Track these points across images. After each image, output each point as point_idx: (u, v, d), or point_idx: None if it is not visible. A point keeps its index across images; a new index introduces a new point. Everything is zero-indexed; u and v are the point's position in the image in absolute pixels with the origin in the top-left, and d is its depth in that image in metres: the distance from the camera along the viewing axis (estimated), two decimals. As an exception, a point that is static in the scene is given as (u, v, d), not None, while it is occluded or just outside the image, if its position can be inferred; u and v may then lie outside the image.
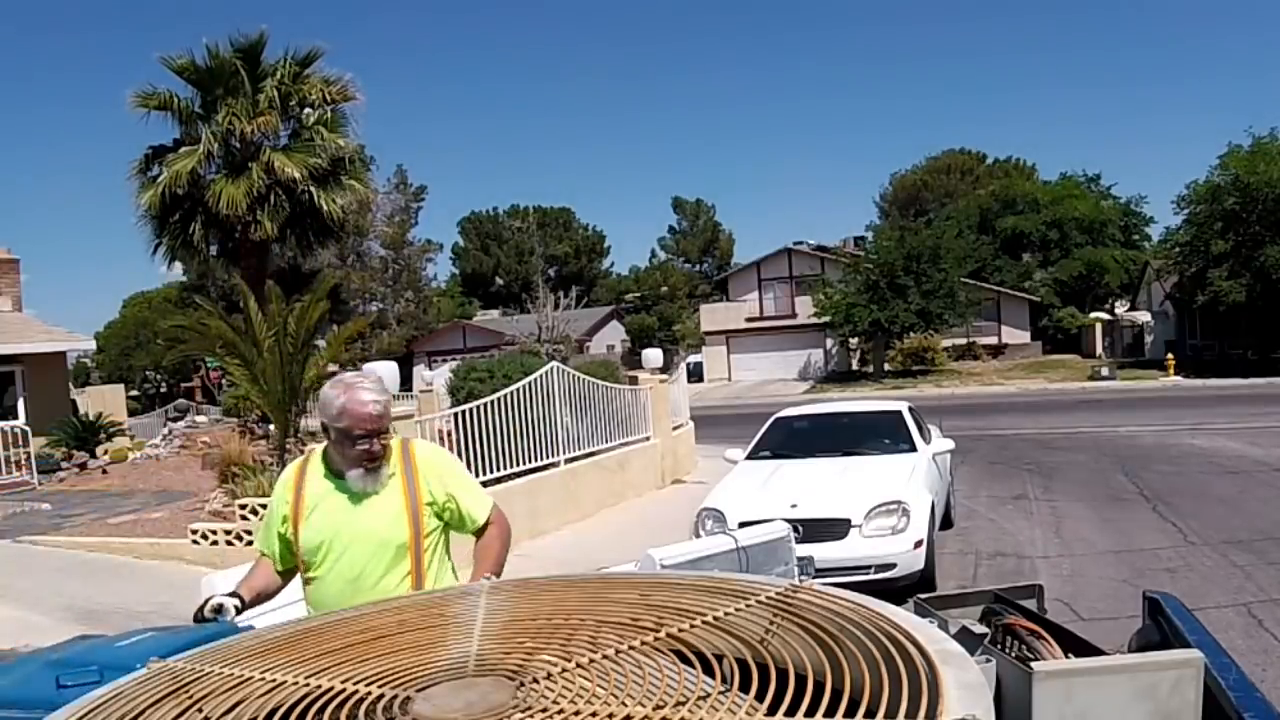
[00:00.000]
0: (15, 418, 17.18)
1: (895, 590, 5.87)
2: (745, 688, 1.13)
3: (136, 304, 58.98)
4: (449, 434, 9.32)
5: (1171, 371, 29.99)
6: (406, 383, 31.17)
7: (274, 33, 21.72)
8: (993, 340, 40.57)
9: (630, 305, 56.62)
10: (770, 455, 8.67)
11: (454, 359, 24.61)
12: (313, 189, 17.29)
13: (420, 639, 1.42)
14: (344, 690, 1.23)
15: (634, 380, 13.54)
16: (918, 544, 6.68)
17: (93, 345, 24.83)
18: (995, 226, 45.25)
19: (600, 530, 10.07)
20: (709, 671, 1.15)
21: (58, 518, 11.95)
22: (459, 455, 8.91)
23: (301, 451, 9.21)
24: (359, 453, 2.58)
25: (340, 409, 2.55)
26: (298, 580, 2.83)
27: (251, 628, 2.12)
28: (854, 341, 38.06)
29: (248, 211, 16.60)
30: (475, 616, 1.48)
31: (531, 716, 1.08)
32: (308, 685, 1.25)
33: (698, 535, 6.39)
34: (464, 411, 9.19)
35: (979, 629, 2.03)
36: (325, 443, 2.73)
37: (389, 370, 8.71)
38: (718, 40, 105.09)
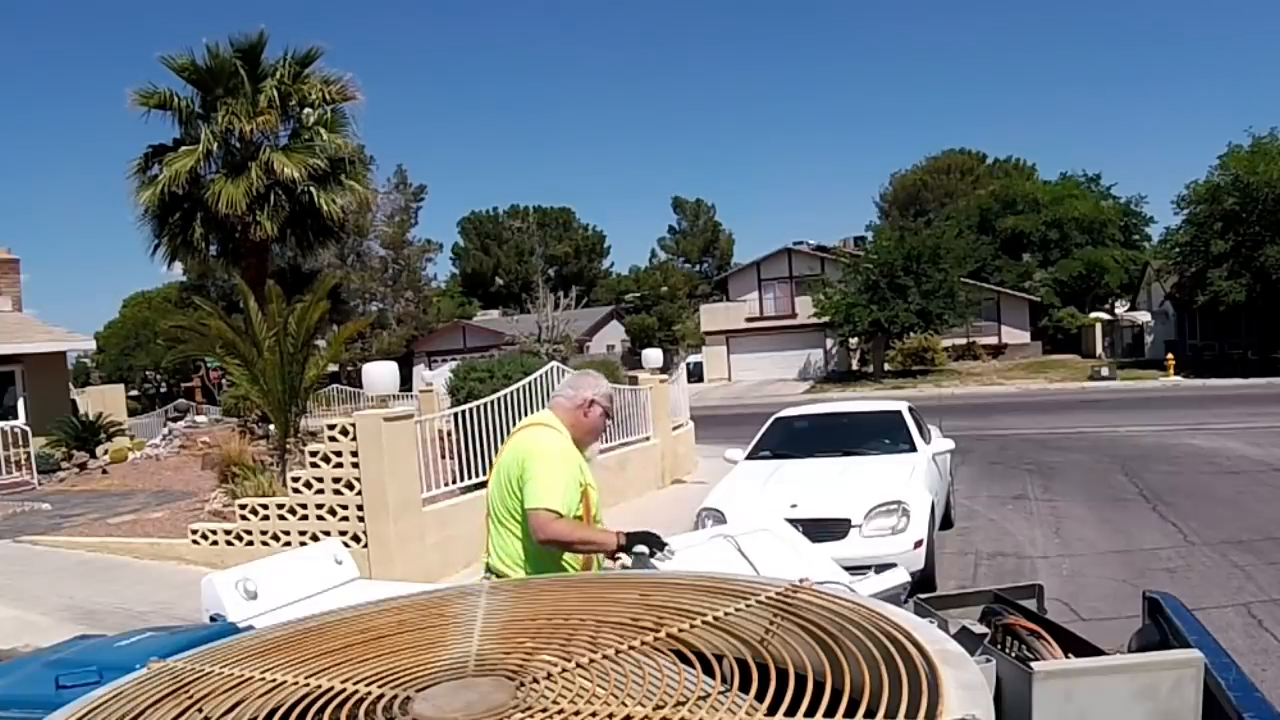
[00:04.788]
0: (15, 418, 17.18)
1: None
2: (745, 688, 1.13)
3: (136, 304, 58.98)
4: (449, 434, 9.30)
5: (1171, 371, 29.95)
6: (406, 383, 31.12)
7: (274, 33, 21.75)
8: (993, 340, 40.57)
9: (630, 305, 56.57)
10: (770, 455, 8.66)
11: (454, 359, 24.61)
12: (312, 189, 17.27)
13: (420, 639, 1.42)
14: (344, 690, 1.23)
15: (634, 380, 13.54)
16: (918, 544, 6.68)
17: (93, 345, 24.78)
18: (995, 226, 45.27)
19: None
20: (709, 671, 1.15)
21: (58, 518, 11.95)
22: (458, 455, 8.91)
23: (302, 451, 9.25)
24: (605, 425, 3.45)
25: (608, 391, 3.37)
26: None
27: (251, 628, 2.12)
28: (854, 341, 38.03)
29: (247, 211, 16.58)
30: (475, 616, 1.48)
31: (531, 716, 1.08)
32: (308, 685, 1.25)
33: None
34: (464, 411, 9.17)
35: (979, 629, 2.02)
36: (550, 426, 3.28)
37: (388, 370, 8.67)
38: (718, 40, 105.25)
